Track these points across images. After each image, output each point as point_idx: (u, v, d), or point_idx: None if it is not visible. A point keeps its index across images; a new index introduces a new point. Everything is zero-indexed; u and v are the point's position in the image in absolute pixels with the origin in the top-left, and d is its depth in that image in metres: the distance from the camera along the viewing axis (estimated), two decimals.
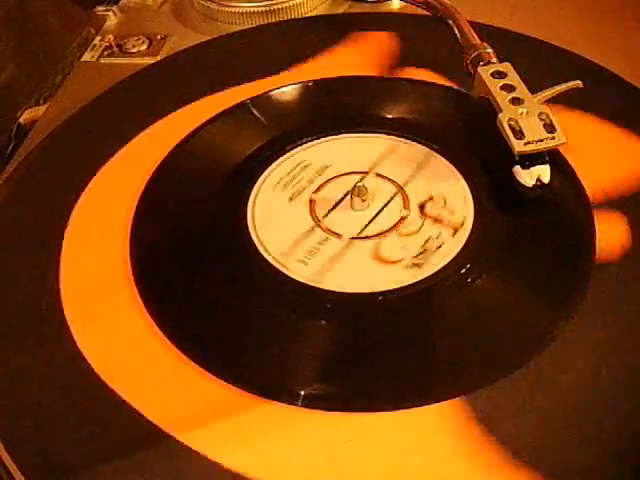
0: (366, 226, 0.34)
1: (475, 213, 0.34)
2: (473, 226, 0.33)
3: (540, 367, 0.28)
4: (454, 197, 0.34)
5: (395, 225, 0.33)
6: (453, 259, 0.32)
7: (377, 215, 0.34)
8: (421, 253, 0.32)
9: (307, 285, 0.31)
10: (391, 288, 0.31)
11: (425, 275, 0.31)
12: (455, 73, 0.39)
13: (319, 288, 0.31)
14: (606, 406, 0.27)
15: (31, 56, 0.47)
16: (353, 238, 0.33)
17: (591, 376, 0.28)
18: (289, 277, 0.31)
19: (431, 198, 0.34)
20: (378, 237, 0.33)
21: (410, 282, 0.31)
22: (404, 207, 0.34)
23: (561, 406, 0.27)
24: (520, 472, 0.25)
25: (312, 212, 0.34)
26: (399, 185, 0.35)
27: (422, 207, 0.34)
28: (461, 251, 0.32)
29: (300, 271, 0.32)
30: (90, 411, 0.28)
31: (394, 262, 0.32)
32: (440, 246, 0.32)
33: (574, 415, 0.27)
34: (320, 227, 0.34)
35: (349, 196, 0.35)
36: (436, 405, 0.27)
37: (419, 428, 0.26)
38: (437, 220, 0.33)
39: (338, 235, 0.33)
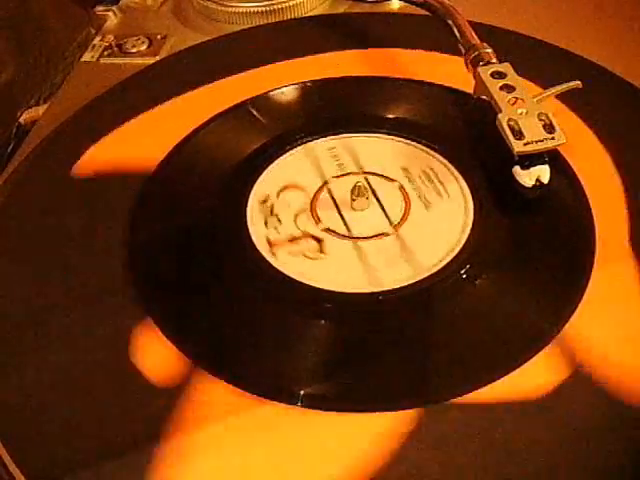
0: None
1: (475, 213, 0.34)
2: (473, 226, 0.33)
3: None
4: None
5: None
6: (452, 260, 0.32)
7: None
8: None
9: (307, 285, 0.31)
10: (390, 288, 0.31)
11: (424, 275, 0.31)
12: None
13: (319, 288, 0.31)
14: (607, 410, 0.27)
15: (31, 56, 0.47)
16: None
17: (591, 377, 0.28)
18: (290, 278, 0.31)
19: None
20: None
21: (410, 282, 0.31)
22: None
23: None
24: None
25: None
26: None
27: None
28: (461, 251, 0.32)
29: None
30: (91, 411, 0.28)
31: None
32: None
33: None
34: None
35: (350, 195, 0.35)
36: (436, 405, 0.27)
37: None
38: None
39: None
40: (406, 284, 0.31)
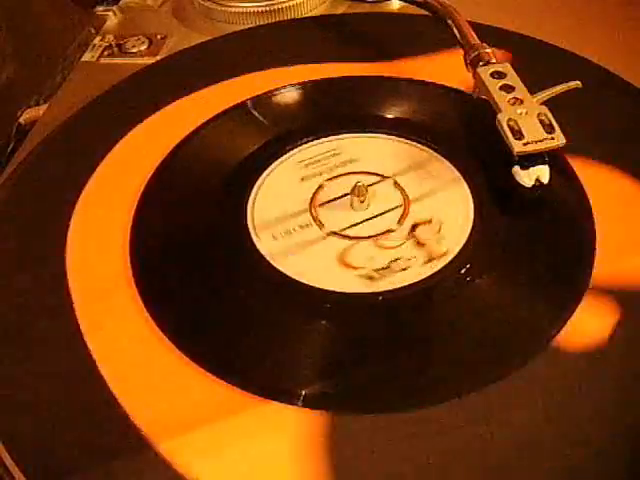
0: (351, 226, 0.34)
1: (475, 213, 0.33)
2: (473, 226, 0.33)
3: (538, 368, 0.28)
4: (452, 224, 0.33)
5: (378, 235, 0.33)
6: (452, 260, 0.32)
7: (368, 219, 0.34)
8: (383, 269, 0.32)
9: (307, 285, 0.31)
10: (390, 288, 0.31)
11: (424, 275, 0.31)
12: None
13: (319, 288, 0.31)
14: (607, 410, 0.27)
15: (31, 56, 0.47)
16: (332, 232, 0.33)
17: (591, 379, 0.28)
18: (290, 278, 0.31)
19: (429, 221, 0.34)
20: (355, 240, 0.33)
21: (410, 282, 0.31)
22: (398, 221, 0.34)
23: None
24: None
25: (313, 197, 0.35)
26: (408, 198, 0.35)
27: (415, 227, 0.33)
28: (461, 251, 0.32)
29: (268, 245, 0.33)
30: (91, 411, 0.28)
31: (352, 267, 0.32)
32: (405, 269, 0.32)
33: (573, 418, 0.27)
34: (310, 213, 0.34)
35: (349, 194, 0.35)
36: (436, 405, 0.27)
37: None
38: (420, 244, 0.33)
39: (321, 225, 0.33)
40: (406, 284, 0.31)
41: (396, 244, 0.33)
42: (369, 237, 0.33)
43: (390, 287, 0.31)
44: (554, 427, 0.26)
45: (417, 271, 0.31)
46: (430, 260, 0.32)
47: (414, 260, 0.32)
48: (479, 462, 0.26)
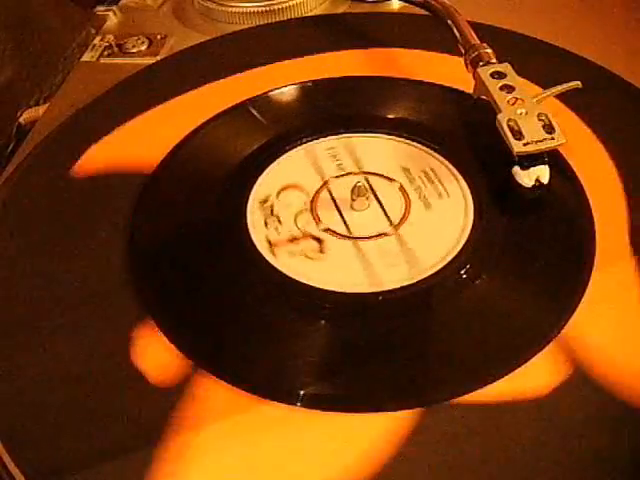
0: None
1: (475, 213, 0.33)
2: (473, 226, 0.33)
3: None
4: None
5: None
6: (452, 260, 0.32)
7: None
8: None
9: (307, 285, 0.31)
10: (390, 288, 0.31)
11: (424, 275, 0.31)
12: None
13: (319, 288, 0.31)
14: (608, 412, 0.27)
15: (31, 56, 0.47)
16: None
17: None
18: (290, 278, 0.31)
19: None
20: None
21: (410, 282, 0.31)
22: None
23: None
24: None
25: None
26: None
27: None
28: (461, 251, 0.32)
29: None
30: (91, 411, 0.28)
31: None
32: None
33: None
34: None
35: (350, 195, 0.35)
36: (436, 406, 0.27)
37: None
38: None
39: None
40: (406, 284, 0.31)
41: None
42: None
43: (390, 287, 0.31)
44: (555, 427, 0.26)
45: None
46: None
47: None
48: (479, 462, 0.26)
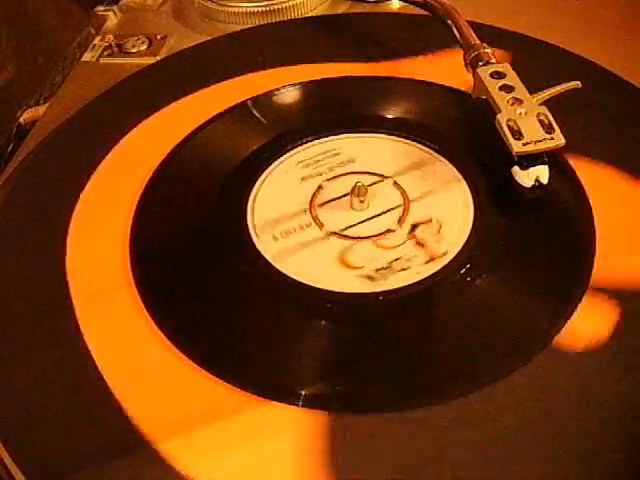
0: (351, 226, 0.34)
1: (475, 213, 0.34)
2: (473, 226, 0.33)
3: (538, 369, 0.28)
4: (453, 224, 0.33)
5: (378, 235, 0.33)
6: (452, 259, 0.32)
7: (368, 219, 0.34)
8: (383, 268, 0.31)
9: (307, 285, 0.31)
10: (390, 288, 0.31)
11: (423, 275, 0.31)
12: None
13: (319, 288, 0.31)
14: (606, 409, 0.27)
15: (31, 56, 0.47)
16: (332, 233, 0.33)
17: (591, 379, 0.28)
18: (290, 278, 0.31)
19: (429, 220, 0.34)
20: (355, 240, 0.33)
21: (410, 282, 0.31)
22: (398, 221, 0.34)
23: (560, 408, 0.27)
24: None
25: (313, 197, 0.35)
26: (407, 198, 0.35)
27: (414, 227, 0.33)
28: (461, 251, 0.32)
29: (268, 245, 0.33)
30: (90, 412, 0.28)
31: (352, 268, 0.32)
32: (406, 269, 0.32)
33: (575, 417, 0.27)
34: (311, 213, 0.34)
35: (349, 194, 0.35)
36: (435, 406, 0.27)
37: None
38: (420, 244, 0.33)
39: (321, 225, 0.34)
40: (406, 284, 0.31)
41: (396, 244, 0.33)
42: (369, 237, 0.33)
43: (390, 287, 0.31)
44: (555, 426, 0.26)
45: (417, 271, 0.31)
46: (430, 260, 0.32)
47: (414, 260, 0.32)
48: (479, 462, 0.26)
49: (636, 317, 0.29)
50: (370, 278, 0.31)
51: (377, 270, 0.32)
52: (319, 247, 0.33)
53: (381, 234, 0.33)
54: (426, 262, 0.32)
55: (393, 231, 0.33)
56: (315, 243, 0.33)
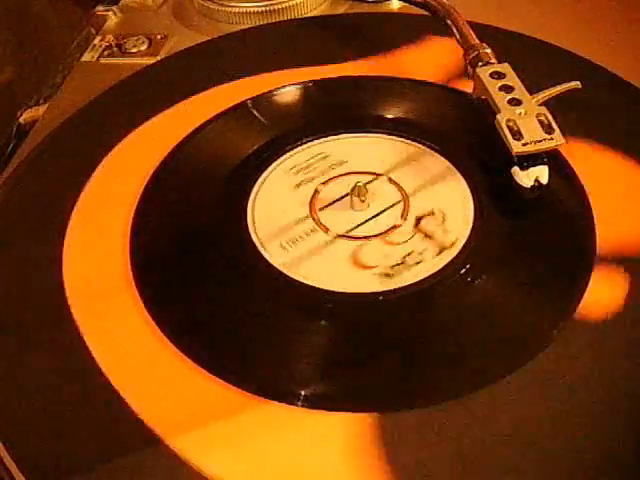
0: (357, 226, 0.34)
1: (475, 213, 0.34)
2: (473, 226, 0.33)
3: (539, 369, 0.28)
4: (455, 214, 0.33)
5: (385, 232, 0.33)
6: (452, 260, 0.32)
7: (371, 218, 0.34)
8: (398, 264, 0.31)
9: (307, 285, 0.31)
10: (361, 291, 0.31)
11: (424, 275, 0.31)
12: None
13: (319, 288, 0.31)
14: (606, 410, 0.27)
15: (31, 56, 0.48)
16: (340, 235, 0.33)
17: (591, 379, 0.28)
18: (289, 277, 0.31)
19: (432, 213, 0.34)
20: (363, 240, 0.33)
21: (410, 282, 0.31)
22: (401, 216, 0.34)
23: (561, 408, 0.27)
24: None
25: (312, 202, 0.35)
26: (405, 193, 0.35)
27: (419, 220, 0.33)
28: (461, 251, 0.32)
29: (268, 245, 0.33)
30: (91, 411, 0.28)
31: (367, 267, 0.32)
32: (419, 262, 0.32)
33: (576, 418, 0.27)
34: (313, 218, 0.34)
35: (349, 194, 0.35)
36: (435, 406, 0.27)
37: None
38: (428, 236, 0.33)
39: (326, 229, 0.33)
40: (406, 284, 0.31)
41: (405, 239, 0.33)
42: (377, 235, 0.33)
43: (409, 281, 0.31)
44: (556, 425, 0.26)
45: (431, 263, 0.31)
46: (441, 251, 0.32)
47: (427, 252, 0.32)
48: (479, 462, 0.26)
49: (636, 317, 0.29)
50: (387, 275, 0.31)
51: (392, 267, 0.32)
52: (329, 251, 0.33)
53: (388, 231, 0.33)
54: (437, 253, 0.32)
55: (399, 226, 0.33)
56: (324, 248, 0.33)
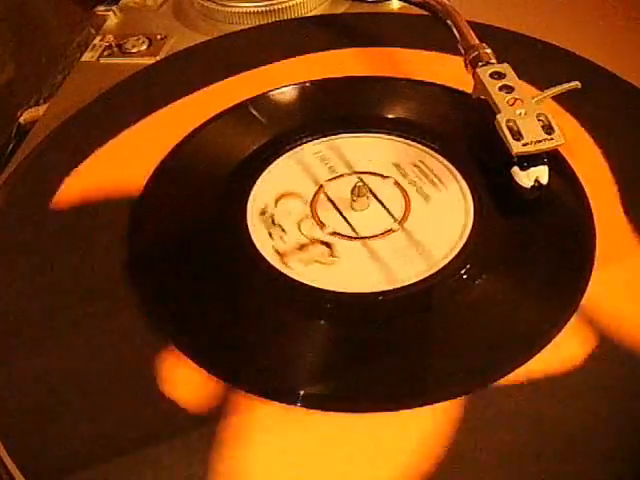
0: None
1: (475, 213, 0.34)
2: (473, 226, 0.33)
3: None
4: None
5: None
6: (452, 260, 0.32)
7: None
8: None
9: (306, 285, 0.31)
10: (389, 289, 0.31)
11: (424, 275, 0.31)
12: None
13: (319, 288, 0.31)
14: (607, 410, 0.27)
15: (31, 56, 0.47)
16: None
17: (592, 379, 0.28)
18: (287, 276, 0.31)
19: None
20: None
21: (411, 282, 0.31)
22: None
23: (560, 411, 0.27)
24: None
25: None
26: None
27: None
28: (461, 251, 0.32)
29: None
30: (90, 411, 0.28)
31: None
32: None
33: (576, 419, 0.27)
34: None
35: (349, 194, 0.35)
36: (434, 406, 0.27)
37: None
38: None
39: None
40: (406, 284, 0.31)
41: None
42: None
43: (390, 287, 0.31)
44: (555, 426, 0.26)
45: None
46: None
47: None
48: (479, 462, 0.26)
49: (636, 317, 0.29)
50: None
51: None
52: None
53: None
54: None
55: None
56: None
